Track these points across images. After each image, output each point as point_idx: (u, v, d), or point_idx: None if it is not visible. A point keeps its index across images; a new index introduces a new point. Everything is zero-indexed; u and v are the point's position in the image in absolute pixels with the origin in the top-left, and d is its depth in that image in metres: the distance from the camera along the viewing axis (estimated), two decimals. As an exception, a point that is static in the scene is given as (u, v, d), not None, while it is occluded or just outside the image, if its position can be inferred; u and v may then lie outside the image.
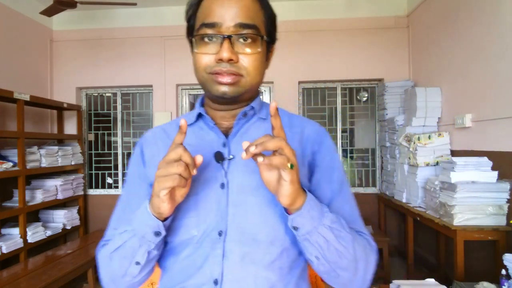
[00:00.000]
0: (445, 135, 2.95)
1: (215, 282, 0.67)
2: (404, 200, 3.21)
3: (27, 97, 3.09)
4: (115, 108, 4.35)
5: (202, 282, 0.68)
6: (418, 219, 2.86)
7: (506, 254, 1.73)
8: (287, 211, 0.65)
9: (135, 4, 3.26)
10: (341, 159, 4.20)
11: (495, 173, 2.30)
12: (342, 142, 4.21)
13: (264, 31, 0.72)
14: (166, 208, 0.62)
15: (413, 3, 3.75)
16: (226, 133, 0.76)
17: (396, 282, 1.78)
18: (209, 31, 0.68)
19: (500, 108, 2.35)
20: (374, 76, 4.02)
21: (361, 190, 4.16)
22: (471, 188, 2.27)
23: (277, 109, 0.60)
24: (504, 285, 1.62)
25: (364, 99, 4.27)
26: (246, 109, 0.76)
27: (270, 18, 0.74)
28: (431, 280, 1.80)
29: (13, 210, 2.95)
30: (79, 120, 4.12)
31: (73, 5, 3.02)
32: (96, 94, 4.40)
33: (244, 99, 0.75)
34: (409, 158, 3.07)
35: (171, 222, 0.68)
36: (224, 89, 0.69)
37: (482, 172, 2.32)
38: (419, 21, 3.68)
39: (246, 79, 0.70)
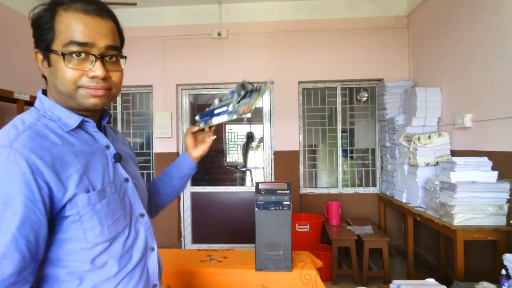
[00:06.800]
0: (445, 135, 2.95)
1: (151, 248, 0.92)
2: (404, 200, 3.21)
3: (27, 97, 3.09)
4: (115, 108, 4.35)
5: (144, 246, 0.89)
6: (418, 219, 2.86)
7: (506, 254, 1.73)
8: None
9: (135, 4, 3.26)
10: (341, 159, 4.20)
11: (495, 173, 2.30)
12: (342, 142, 4.21)
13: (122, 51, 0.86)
14: None
15: (413, 3, 3.75)
16: None
17: (396, 282, 1.78)
18: (79, 49, 0.75)
19: (500, 108, 2.35)
20: (374, 76, 4.02)
21: (361, 190, 4.16)
22: (471, 188, 2.27)
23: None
24: (504, 285, 1.62)
25: (364, 99, 4.27)
26: (107, 116, 0.92)
27: (122, 38, 0.88)
28: (431, 280, 1.80)
29: (13, 210, 2.94)
30: (79, 120, 4.11)
31: (73, 5, 3.02)
32: (96, 94, 4.40)
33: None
34: (409, 158, 3.07)
35: (111, 220, 0.80)
36: (95, 101, 0.79)
37: (482, 172, 2.32)
38: (419, 21, 3.68)
39: (113, 92, 0.82)
